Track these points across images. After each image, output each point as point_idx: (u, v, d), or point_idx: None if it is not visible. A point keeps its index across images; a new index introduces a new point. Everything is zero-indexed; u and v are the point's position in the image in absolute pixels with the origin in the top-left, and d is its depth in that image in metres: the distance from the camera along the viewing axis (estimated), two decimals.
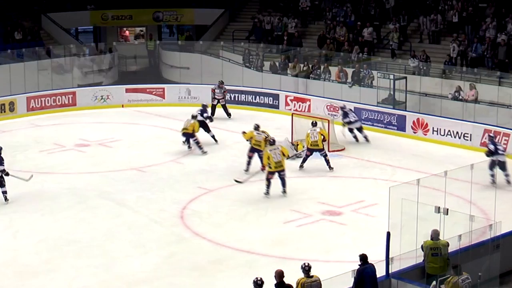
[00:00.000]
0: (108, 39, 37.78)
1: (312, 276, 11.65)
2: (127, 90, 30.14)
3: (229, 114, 27.37)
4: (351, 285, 12.00)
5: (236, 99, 29.42)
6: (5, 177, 18.34)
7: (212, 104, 27.02)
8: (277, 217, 17.59)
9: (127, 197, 19.07)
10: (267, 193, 18.59)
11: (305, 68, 29.61)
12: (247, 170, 20.43)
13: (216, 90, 27.58)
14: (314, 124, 21.36)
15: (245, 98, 29.45)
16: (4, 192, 18.30)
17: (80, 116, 28.16)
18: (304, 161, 20.99)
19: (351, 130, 23.85)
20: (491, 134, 21.43)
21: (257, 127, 20.89)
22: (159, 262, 15.19)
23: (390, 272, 12.73)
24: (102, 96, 29.47)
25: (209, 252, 15.74)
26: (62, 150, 23.59)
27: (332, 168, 20.73)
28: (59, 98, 29.46)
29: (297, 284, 11.58)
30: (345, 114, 23.86)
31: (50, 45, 33.86)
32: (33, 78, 30.40)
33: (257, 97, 29.23)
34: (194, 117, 22.96)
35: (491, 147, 19.22)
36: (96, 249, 15.80)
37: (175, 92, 30.32)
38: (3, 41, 32.69)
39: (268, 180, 18.66)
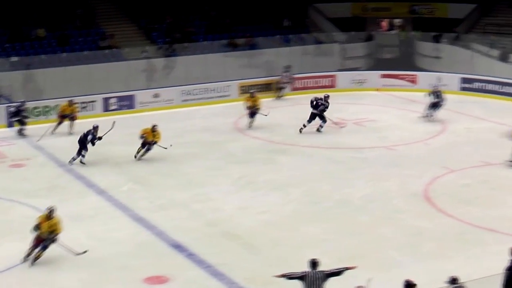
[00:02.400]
0: (367, 29, 38.45)
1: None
2: (382, 76, 31.34)
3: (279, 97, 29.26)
4: None
5: (483, 88, 29.76)
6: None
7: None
8: None
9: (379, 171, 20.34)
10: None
11: None
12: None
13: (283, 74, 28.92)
14: None
15: (492, 88, 29.66)
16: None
17: (338, 97, 29.18)
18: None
19: None
20: None
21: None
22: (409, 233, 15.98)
23: None
24: (359, 80, 30.93)
25: (453, 227, 16.16)
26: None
27: None
28: (320, 80, 31.07)
29: None
30: None
31: (315, 33, 35.20)
32: (298, 62, 31.96)
33: (504, 87, 29.32)
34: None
35: None
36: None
37: (426, 79, 30.71)
38: (273, 27, 34.54)
39: None
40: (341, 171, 20.39)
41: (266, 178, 19.56)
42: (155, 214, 17.00)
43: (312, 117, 24.29)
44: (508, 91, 29.28)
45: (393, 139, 23.60)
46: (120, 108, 27.30)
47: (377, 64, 34.83)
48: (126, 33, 32.14)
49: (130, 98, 27.75)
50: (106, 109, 27.14)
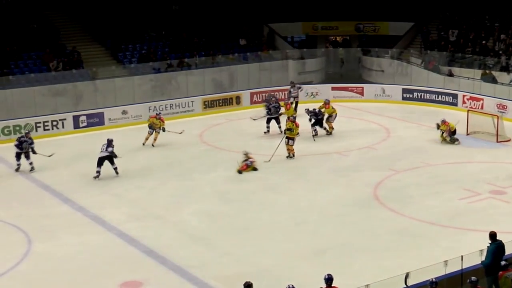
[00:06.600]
0: (318, 46, 38.93)
1: None
2: (333, 88, 31.54)
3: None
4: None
5: (422, 97, 30.15)
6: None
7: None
8: (453, 195, 18.33)
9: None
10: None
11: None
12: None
13: (291, 90, 28.22)
14: None
15: (429, 97, 30.09)
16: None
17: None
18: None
19: None
20: None
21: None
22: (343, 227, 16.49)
23: None
24: (312, 93, 30.83)
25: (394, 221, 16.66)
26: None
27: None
28: (277, 94, 30.61)
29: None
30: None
31: (269, 50, 35.04)
32: (256, 77, 32.39)
33: (439, 96, 29.76)
34: None
35: None
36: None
37: (372, 91, 31.35)
38: (231, 47, 34.39)
39: None
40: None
41: None
42: (129, 224, 16.81)
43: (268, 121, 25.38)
44: (442, 99, 29.64)
45: (344, 145, 23.64)
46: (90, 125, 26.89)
47: (328, 78, 34.95)
48: (92, 53, 31.50)
49: (99, 115, 27.38)
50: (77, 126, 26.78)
